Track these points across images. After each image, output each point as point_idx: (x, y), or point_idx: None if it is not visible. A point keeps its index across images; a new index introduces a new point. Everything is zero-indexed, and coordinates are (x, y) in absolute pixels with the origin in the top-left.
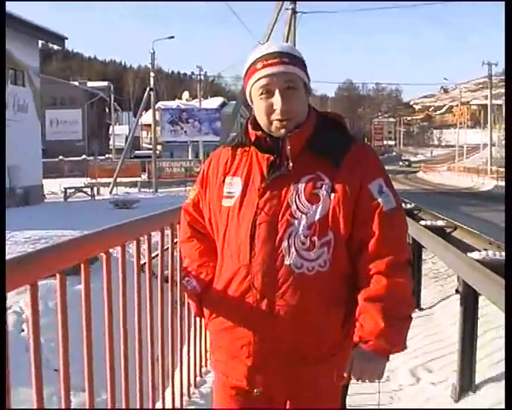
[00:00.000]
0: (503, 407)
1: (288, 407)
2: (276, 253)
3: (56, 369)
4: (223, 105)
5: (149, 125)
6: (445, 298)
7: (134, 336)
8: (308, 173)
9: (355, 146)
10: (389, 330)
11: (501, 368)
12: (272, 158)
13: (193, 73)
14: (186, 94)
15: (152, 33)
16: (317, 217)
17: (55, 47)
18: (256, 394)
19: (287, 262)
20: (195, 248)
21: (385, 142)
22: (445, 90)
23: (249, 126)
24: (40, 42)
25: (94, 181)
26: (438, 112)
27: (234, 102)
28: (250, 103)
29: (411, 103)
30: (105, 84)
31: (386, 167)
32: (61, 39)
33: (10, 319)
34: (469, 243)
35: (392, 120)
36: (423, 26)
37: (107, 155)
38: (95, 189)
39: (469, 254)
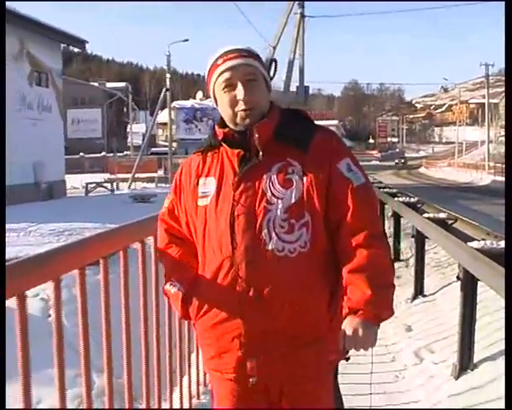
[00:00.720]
0: (498, 383)
1: (284, 391)
2: (258, 240)
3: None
4: None
5: (165, 124)
6: (446, 285)
7: (152, 331)
8: (278, 161)
9: (320, 131)
10: (376, 297)
11: (496, 348)
12: (242, 152)
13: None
14: (200, 94)
15: (167, 36)
16: (293, 200)
17: (76, 50)
18: (252, 382)
19: (269, 247)
20: (175, 252)
21: (388, 139)
22: (445, 90)
23: (216, 127)
24: (62, 45)
25: (113, 177)
26: (438, 110)
27: None
28: (214, 102)
29: (413, 102)
30: (123, 84)
31: (389, 163)
32: (81, 43)
33: (38, 305)
34: (469, 234)
35: (395, 118)
36: (423, 27)
37: (125, 152)
38: (114, 184)
39: (469, 244)
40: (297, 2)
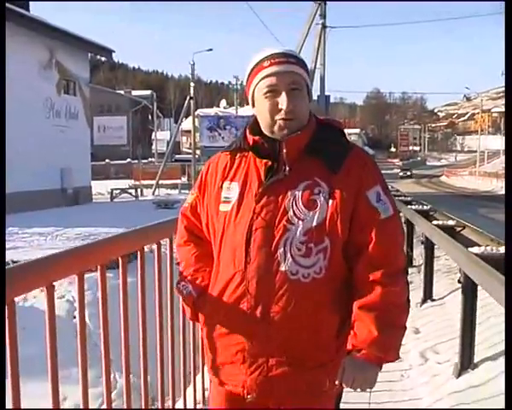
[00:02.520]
0: (496, 381)
1: None
2: (272, 259)
3: None
4: None
5: (189, 132)
6: (455, 290)
7: (167, 329)
8: (306, 179)
9: (353, 152)
10: (382, 339)
11: (496, 349)
12: (270, 163)
13: (230, 82)
14: (223, 102)
15: (192, 45)
16: (314, 223)
17: (103, 58)
18: (249, 399)
19: (282, 269)
20: (192, 252)
21: (410, 147)
22: (468, 99)
23: (247, 131)
24: (89, 54)
25: (138, 183)
26: (461, 119)
27: None
28: (251, 104)
29: (436, 111)
30: (148, 92)
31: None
32: (108, 52)
33: (63, 306)
34: (474, 240)
35: (417, 126)
36: (446, 37)
37: (149, 159)
38: (138, 190)
39: (470, 249)
40: (318, 14)
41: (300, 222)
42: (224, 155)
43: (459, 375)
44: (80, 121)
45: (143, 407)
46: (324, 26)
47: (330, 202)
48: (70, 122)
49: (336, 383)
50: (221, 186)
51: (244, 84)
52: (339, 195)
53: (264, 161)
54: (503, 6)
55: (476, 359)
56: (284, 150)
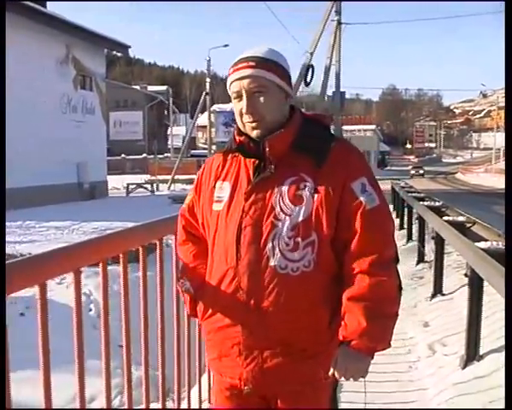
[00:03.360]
0: (501, 372)
1: (278, 404)
2: (261, 254)
3: (121, 345)
4: None
5: (205, 127)
6: (464, 285)
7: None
8: (291, 175)
9: (337, 145)
10: (372, 329)
11: (502, 342)
12: (257, 162)
13: None
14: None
15: (207, 40)
16: (301, 218)
17: (119, 54)
18: (246, 391)
19: (271, 264)
20: (190, 250)
21: (426, 144)
22: (484, 96)
23: (235, 132)
24: (106, 50)
25: (153, 178)
26: (477, 116)
27: None
28: None
29: (451, 108)
30: (164, 88)
31: (428, 168)
32: (124, 47)
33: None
34: (483, 236)
35: (432, 123)
36: (462, 33)
37: (165, 154)
38: (154, 185)
39: (476, 244)
40: (334, 10)
41: (287, 218)
42: (218, 155)
43: (465, 366)
44: (96, 116)
45: (161, 397)
46: (340, 23)
47: (315, 196)
48: (86, 117)
49: (330, 373)
50: (214, 186)
51: (228, 91)
52: (323, 189)
53: (252, 160)
54: (503, 6)
55: (482, 351)
56: (267, 149)
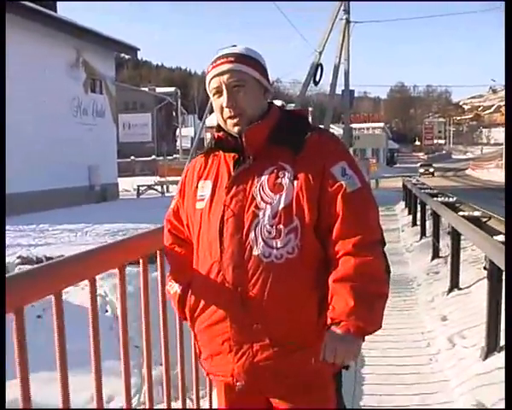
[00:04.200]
0: None
1: (275, 401)
2: (244, 245)
3: (137, 345)
4: None
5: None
6: (481, 279)
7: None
8: (271, 165)
9: (314, 133)
10: (360, 308)
11: None
12: (237, 156)
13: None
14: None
15: (214, 41)
16: (282, 205)
17: (127, 56)
18: (238, 387)
19: (255, 253)
20: (176, 253)
21: (435, 141)
22: (494, 91)
23: (214, 130)
24: (115, 53)
25: (163, 179)
26: (486, 112)
27: (292, 104)
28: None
29: (461, 104)
30: (172, 89)
31: (437, 165)
32: (133, 50)
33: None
34: (500, 230)
35: (442, 119)
36: (470, 29)
37: (174, 155)
38: (164, 186)
39: (495, 237)
40: (342, 9)
41: (268, 206)
42: (200, 157)
43: (486, 357)
44: (107, 119)
45: (181, 396)
46: (348, 21)
47: (295, 182)
48: (97, 120)
49: (320, 358)
50: (197, 186)
51: (207, 89)
52: (303, 175)
53: (232, 154)
54: (503, 6)
55: (503, 342)
56: (244, 140)
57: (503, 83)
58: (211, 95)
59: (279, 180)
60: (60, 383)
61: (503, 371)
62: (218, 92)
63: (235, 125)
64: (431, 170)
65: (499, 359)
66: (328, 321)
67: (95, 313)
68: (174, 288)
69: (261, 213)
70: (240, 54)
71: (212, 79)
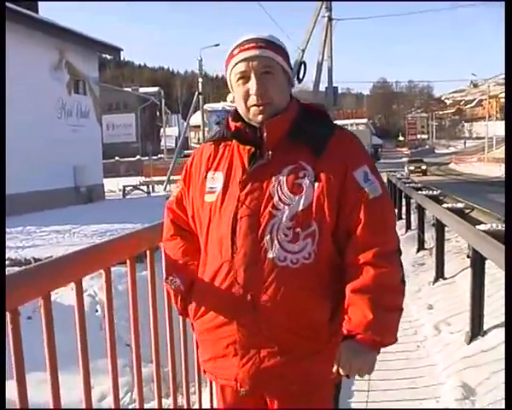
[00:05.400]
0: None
1: (276, 405)
2: (259, 246)
3: (128, 344)
4: None
5: (198, 127)
6: (465, 268)
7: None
8: (290, 163)
9: (338, 134)
10: (378, 321)
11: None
12: (253, 149)
13: None
14: (230, 96)
15: (197, 41)
16: (301, 208)
17: (109, 57)
18: (242, 393)
19: (270, 256)
20: (179, 246)
21: (418, 136)
22: (475, 85)
23: (229, 119)
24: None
25: (149, 179)
26: (468, 106)
27: None
28: (232, 93)
29: (443, 98)
30: (155, 89)
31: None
32: (116, 51)
33: (86, 300)
34: (483, 220)
35: (424, 114)
36: (450, 26)
37: (159, 155)
38: (150, 186)
39: (477, 227)
40: (324, 6)
41: (286, 207)
42: (208, 145)
43: (470, 341)
44: (91, 120)
45: (172, 394)
46: (330, 19)
47: (316, 184)
48: (81, 121)
49: (333, 370)
50: (205, 177)
51: (227, 75)
52: (324, 177)
53: (247, 147)
54: (503, 6)
55: (486, 327)
56: (265, 134)
57: (484, 77)
58: (234, 80)
59: (299, 181)
60: (50, 384)
61: (486, 353)
62: (244, 78)
63: (261, 113)
64: (423, 167)
65: (482, 342)
66: (344, 332)
67: (81, 315)
68: (176, 283)
69: (279, 214)
70: (269, 40)
71: (237, 63)
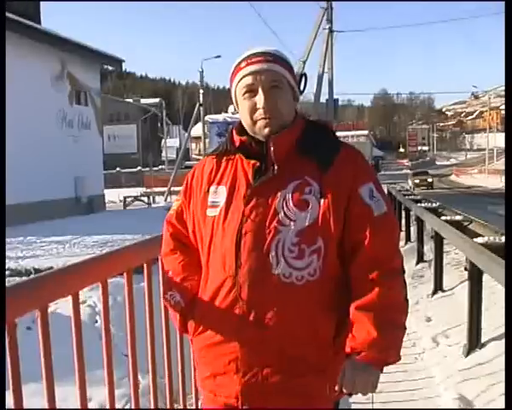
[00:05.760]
0: (503, 358)
1: None
2: (264, 262)
3: (125, 354)
4: None
5: (198, 138)
6: (464, 281)
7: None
8: (296, 178)
9: (344, 150)
10: (382, 339)
11: (503, 330)
12: (258, 164)
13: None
14: (231, 108)
15: (198, 52)
16: (306, 224)
17: (110, 68)
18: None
19: (275, 272)
20: (179, 261)
21: (419, 147)
22: (476, 97)
23: (234, 132)
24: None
25: (149, 190)
26: (469, 117)
27: None
28: (236, 107)
29: (443, 110)
30: (157, 100)
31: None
32: (118, 62)
33: (85, 311)
34: (480, 233)
35: (425, 126)
36: (451, 37)
37: (160, 166)
38: (151, 197)
39: (475, 240)
40: (325, 18)
41: (292, 223)
42: (211, 158)
43: (468, 354)
44: (92, 131)
45: (168, 406)
46: (331, 31)
47: (322, 201)
48: (82, 132)
49: (336, 388)
50: (207, 191)
51: (233, 88)
52: (330, 193)
53: (252, 161)
54: (503, 6)
55: (484, 339)
56: (272, 148)
57: (485, 89)
58: (240, 93)
59: (305, 196)
60: (45, 395)
61: (483, 366)
62: (251, 91)
63: (267, 126)
64: (429, 180)
65: (480, 355)
66: (348, 349)
67: (78, 328)
68: (176, 298)
69: (284, 230)
70: (276, 54)
71: (245, 76)
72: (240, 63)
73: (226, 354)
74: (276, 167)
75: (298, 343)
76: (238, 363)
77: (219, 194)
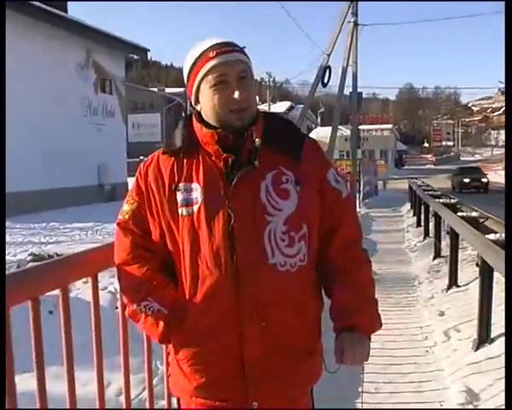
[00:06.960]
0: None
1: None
2: (259, 254)
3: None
4: (290, 108)
5: None
6: (478, 277)
7: None
8: (272, 169)
9: (307, 140)
10: (370, 311)
11: None
12: (233, 157)
13: (262, 78)
14: (256, 98)
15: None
16: (291, 211)
17: (136, 56)
18: (255, 406)
19: (271, 262)
20: (146, 268)
21: (443, 143)
22: (503, 93)
23: (197, 126)
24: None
25: None
26: (495, 113)
27: (301, 105)
28: (193, 99)
29: (469, 105)
30: (181, 90)
31: (445, 167)
32: (143, 51)
33: (106, 297)
34: (496, 230)
35: (450, 121)
36: (478, 32)
37: None
38: None
39: (486, 236)
40: (350, 12)
41: (278, 212)
42: (165, 156)
43: (477, 348)
44: (116, 119)
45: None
46: (356, 24)
47: (298, 188)
48: (107, 120)
49: (337, 362)
50: (175, 189)
51: (198, 79)
52: (304, 180)
53: (224, 155)
54: (503, 6)
55: (493, 334)
56: (257, 139)
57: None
58: (208, 84)
59: (283, 186)
60: (66, 377)
61: (491, 360)
62: (223, 83)
63: (241, 119)
64: (484, 180)
65: (489, 349)
66: (338, 325)
67: (97, 309)
68: (153, 307)
69: (273, 220)
70: (237, 44)
71: (215, 66)
72: (207, 52)
73: (230, 355)
74: (255, 161)
75: (295, 330)
76: (244, 362)
77: (192, 191)
